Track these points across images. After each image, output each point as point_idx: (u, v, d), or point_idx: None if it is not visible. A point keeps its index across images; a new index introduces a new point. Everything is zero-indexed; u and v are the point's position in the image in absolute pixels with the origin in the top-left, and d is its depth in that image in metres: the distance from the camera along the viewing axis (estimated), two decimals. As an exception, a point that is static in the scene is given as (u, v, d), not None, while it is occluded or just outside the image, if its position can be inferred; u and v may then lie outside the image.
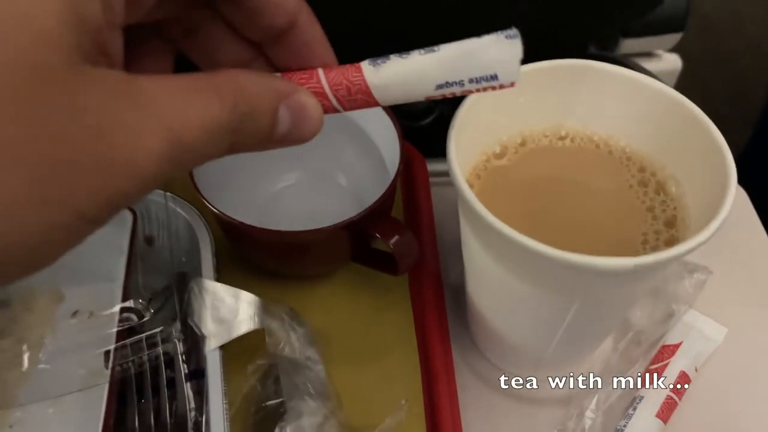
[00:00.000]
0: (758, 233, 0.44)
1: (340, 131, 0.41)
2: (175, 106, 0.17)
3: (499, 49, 0.22)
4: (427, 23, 0.45)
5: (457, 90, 0.22)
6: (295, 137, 0.20)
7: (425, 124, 0.60)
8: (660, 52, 0.74)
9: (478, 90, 0.22)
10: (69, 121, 0.15)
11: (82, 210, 0.15)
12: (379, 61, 0.21)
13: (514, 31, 0.21)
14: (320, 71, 0.21)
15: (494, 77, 0.21)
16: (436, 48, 0.21)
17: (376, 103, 0.22)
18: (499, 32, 0.21)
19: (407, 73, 0.22)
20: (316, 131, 0.21)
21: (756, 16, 1.33)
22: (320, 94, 0.21)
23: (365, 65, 0.21)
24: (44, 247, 0.15)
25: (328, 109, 0.21)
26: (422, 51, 0.22)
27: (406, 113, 0.57)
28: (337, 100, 0.21)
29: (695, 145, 0.30)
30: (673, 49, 0.75)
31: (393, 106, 0.39)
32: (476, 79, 0.22)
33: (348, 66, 0.21)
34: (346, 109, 0.22)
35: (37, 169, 0.14)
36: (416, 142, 0.47)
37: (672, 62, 0.74)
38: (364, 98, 0.21)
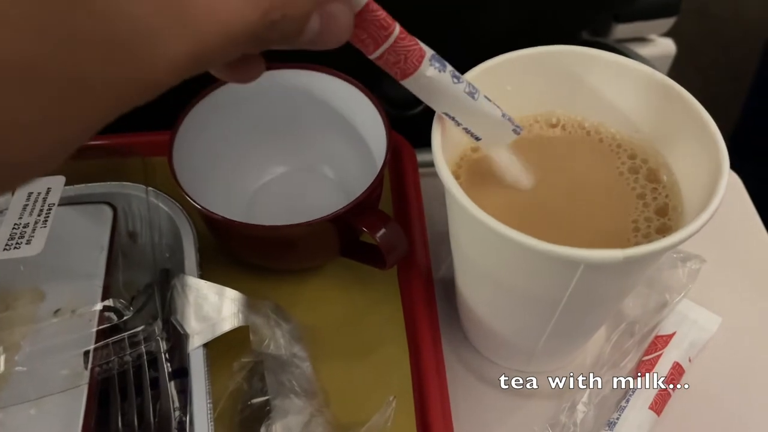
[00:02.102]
0: (753, 221, 0.43)
1: (327, 123, 0.40)
2: (204, 4, 0.16)
3: (508, 135, 0.29)
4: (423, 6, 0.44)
5: (453, 122, 0.27)
6: (319, 44, 0.20)
7: (415, 113, 0.59)
8: (653, 36, 0.73)
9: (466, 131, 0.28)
10: (86, 24, 0.14)
11: (94, 125, 0.16)
12: (437, 65, 0.24)
13: (520, 128, 0.29)
14: (397, 29, 0.22)
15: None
16: (476, 92, 0.26)
17: (400, 78, 0.24)
18: (514, 126, 0.29)
19: (444, 93, 0.25)
20: (342, 41, 0.21)
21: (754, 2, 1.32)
22: (380, 39, 0.22)
23: (426, 60, 0.23)
24: (55, 157, 0.16)
25: (367, 44, 0.22)
26: (468, 87, 0.26)
27: (395, 102, 0.56)
28: (384, 53, 0.23)
29: (688, 133, 0.29)
30: (668, 34, 0.74)
31: (381, 95, 0.38)
32: (474, 135, 0.28)
33: (416, 46, 0.23)
34: (376, 61, 0.23)
35: (56, 87, 0.14)
36: (406, 132, 0.46)
37: (666, 47, 0.73)
38: (400, 72, 0.23)
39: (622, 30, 0.71)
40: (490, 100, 0.27)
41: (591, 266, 0.25)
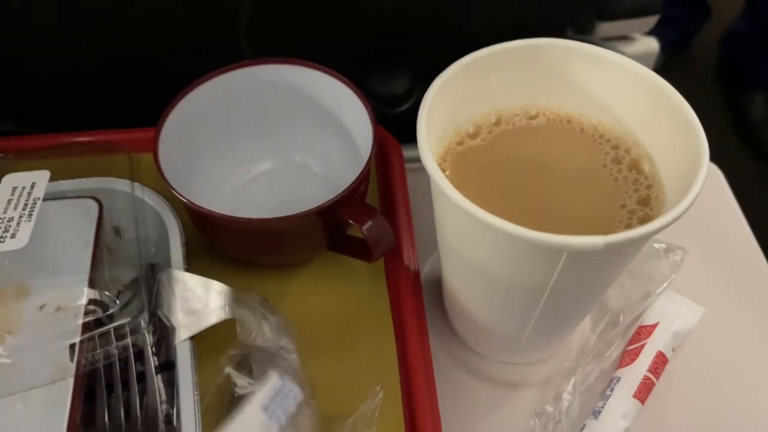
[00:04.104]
0: (733, 214, 0.44)
1: (313, 118, 0.40)
2: None
3: None
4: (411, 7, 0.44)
5: None
6: None
7: (402, 110, 0.59)
8: (637, 35, 0.74)
9: None
10: None
11: None
12: None
13: None
14: None
15: None
16: None
17: None
18: None
19: None
20: None
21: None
22: None
23: None
24: None
25: None
26: None
27: (382, 100, 0.56)
28: None
29: (668, 123, 0.30)
30: (651, 32, 0.75)
31: (368, 92, 0.38)
32: None
33: None
34: None
35: None
36: (393, 129, 0.46)
37: (649, 45, 0.74)
38: None
39: (606, 28, 0.72)
40: None
41: (574, 253, 0.26)
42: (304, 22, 0.45)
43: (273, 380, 0.30)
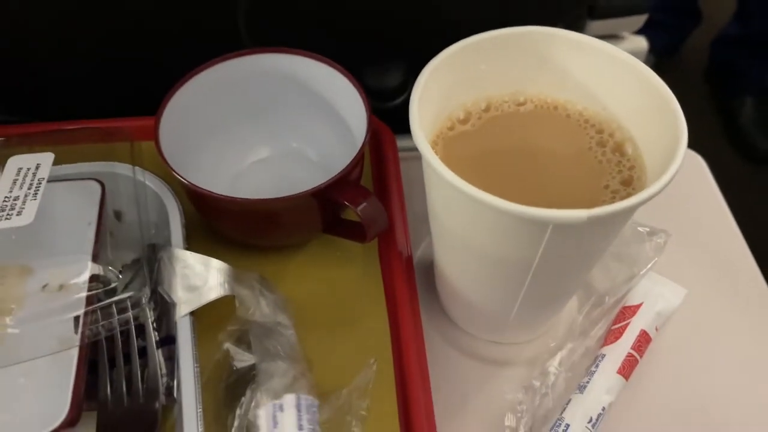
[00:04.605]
0: (715, 200, 0.45)
1: (309, 106, 0.41)
2: None
3: None
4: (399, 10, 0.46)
5: None
6: None
7: (397, 104, 0.60)
8: (626, 34, 0.76)
9: None
10: None
11: None
12: None
13: None
14: None
15: None
16: None
17: None
18: None
19: None
20: None
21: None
22: None
23: None
24: None
25: None
26: None
27: (376, 94, 0.57)
28: None
29: (650, 108, 0.31)
30: (640, 31, 0.76)
31: (364, 86, 0.39)
32: None
33: None
34: None
35: None
36: (388, 121, 0.47)
37: (638, 43, 0.76)
38: None
39: (595, 27, 0.73)
40: None
41: (558, 226, 0.27)
42: (301, 18, 0.46)
43: (289, 400, 0.30)
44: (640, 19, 0.74)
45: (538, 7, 0.56)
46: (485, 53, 0.33)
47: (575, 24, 0.72)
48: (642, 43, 0.77)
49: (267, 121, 0.42)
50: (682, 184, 0.36)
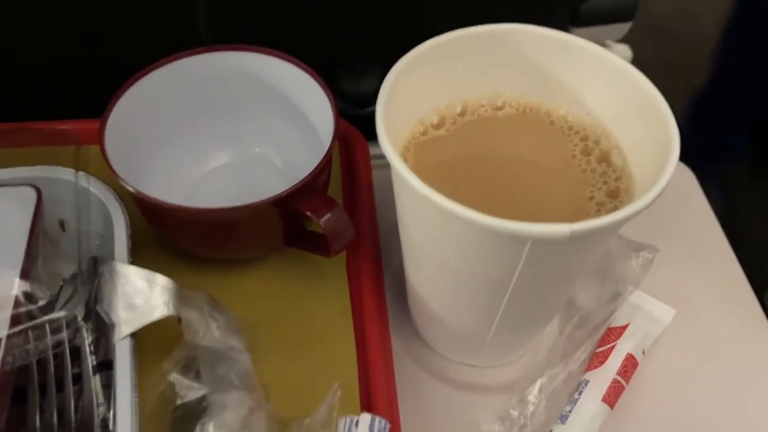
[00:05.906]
0: (706, 215, 0.43)
1: (273, 109, 0.39)
2: None
3: None
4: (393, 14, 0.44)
5: None
6: None
7: (373, 110, 0.58)
8: (609, 42, 0.74)
9: None
10: None
11: None
12: None
13: None
14: None
15: None
16: None
17: None
18: None
19: None
20: None
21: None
22: None
23: None
24: None
25: None
26: None
27: (353, 99, 0.54)
28: None
29: (639, 113, 0.29)
30: (623, 40, 0.75)
31: (336, 91, 0.37)
32: None
33: None
34: None
35: None
36: (362, 128, 0.45)
37: (622, 52, 0.74)
38: None
39: (579, 34, 0.71)
40: None
41: (538, 242, 0.24)
42: (265, 14, 0.43)
43: (365, 419, 0.28)
44: (624, 27, 0.72)
45: (522, 13, 0.54)
46: (461, 52, 0.31)
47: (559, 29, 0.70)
48: (627, 52, 0.75)
49: (228, 124, 0.39)
50: (671, 196, 0.33)
